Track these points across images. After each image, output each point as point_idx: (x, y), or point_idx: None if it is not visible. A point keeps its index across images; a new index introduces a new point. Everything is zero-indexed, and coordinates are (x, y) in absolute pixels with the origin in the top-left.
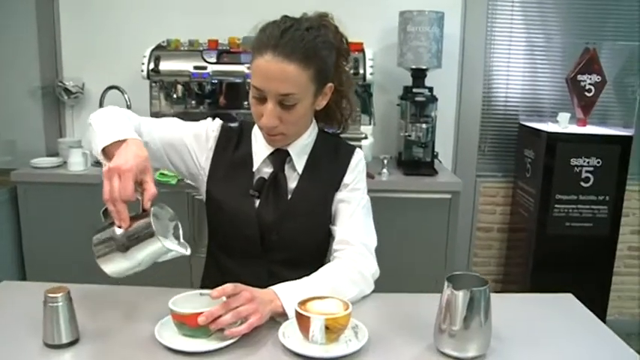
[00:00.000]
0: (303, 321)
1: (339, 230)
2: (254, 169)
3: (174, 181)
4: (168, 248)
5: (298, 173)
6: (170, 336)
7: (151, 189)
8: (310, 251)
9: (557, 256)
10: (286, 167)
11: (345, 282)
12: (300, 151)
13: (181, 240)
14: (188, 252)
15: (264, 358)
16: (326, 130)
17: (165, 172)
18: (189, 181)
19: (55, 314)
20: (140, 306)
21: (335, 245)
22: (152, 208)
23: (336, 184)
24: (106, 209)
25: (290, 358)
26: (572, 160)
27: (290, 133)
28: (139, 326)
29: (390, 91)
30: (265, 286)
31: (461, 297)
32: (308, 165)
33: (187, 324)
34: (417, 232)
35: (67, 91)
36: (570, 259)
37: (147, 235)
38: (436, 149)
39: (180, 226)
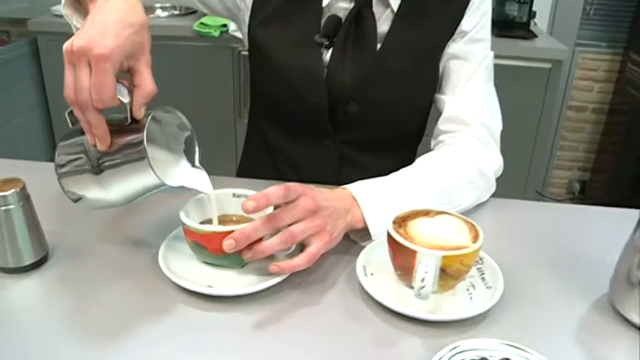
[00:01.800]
0: (401, 254)
1: (450, 102)
2: (323, 2)
3: (216, 33)
4: (167, 184)
5: (392, 10)
6: (181, 264)
7: (145, 85)
8: (404, 130)
9: None
10: (374, 1)
11: (460, 183)
12: None
13: (197, 163)
14: (204, 187)
15: (332, 312)
16: None
17: (206, 20)
18: (233, 28)
19: (6, 223)
20: (140, 209)
21: (442, 124)
22: (149, 117)
23: (448, 30)
24: None
25: (375, 314)
26: None
27: None
28: (136, 245)
29: None
30: (335, 178)
31: None
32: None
33: (207, 248)
34: (505, 106)
35: None
36: None
37: (134, 157)
38: (534, 7)
39: (195, 139)
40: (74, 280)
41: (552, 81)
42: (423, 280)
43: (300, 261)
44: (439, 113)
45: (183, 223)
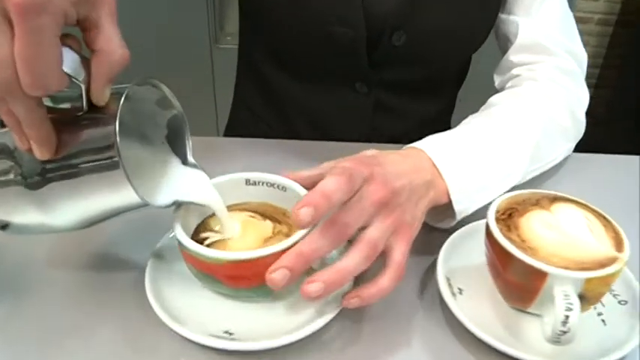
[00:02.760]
0: (516, 271)
1: (526, 25)
2: None
3: None
4: (154, 204)
5: None
6: (180, 295)
7: (111, 49)
8: (453, 66)
9: None
10: None
11: (552, 132)
12: None
13: (189, 158)
14: (208, 199)
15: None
16: None
17: None
18: None
19: None
20: None
21: (515, 54)
22: (120, 99)
23: None
24: None
25: (474, 354)
26: None
27: None
28: (108, 264)
29: None
30: (366, 130)
31: None
32: None
33: (226, 283)
34: None
35: None
36: None
37: (99, 166)
38: None
39: (185, 122)
40: (17, 328)
41: None
42: (566, 319)
43: (389, 281)
44: (506, 40)
45: (181, 244)
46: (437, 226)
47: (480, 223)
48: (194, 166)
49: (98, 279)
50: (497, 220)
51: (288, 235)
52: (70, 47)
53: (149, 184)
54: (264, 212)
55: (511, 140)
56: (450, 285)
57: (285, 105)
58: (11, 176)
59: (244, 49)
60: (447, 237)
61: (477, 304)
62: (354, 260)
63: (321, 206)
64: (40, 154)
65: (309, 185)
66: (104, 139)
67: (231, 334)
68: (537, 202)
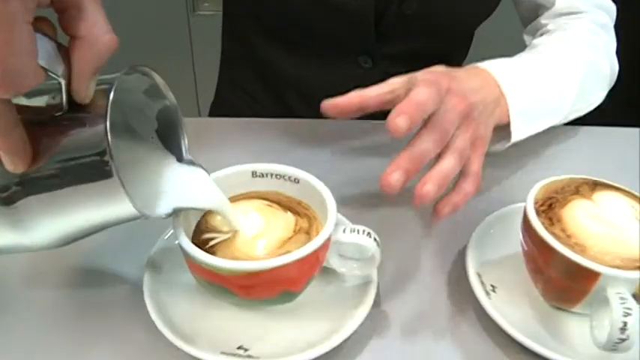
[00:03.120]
0: (559, 268)
1: None
2: None
3: None
4: (152, 215)
5: None
6: (185, 307)
7: (95, 34)
8: (461, 37)
9: None
10: None
11: (594, 76)
12: None
13: (185, 154)
14: (212, 202)
15: None
16: None
17: None
18: None
19: None
20: None
21: (549, 18)
22: (110, 96)
23: None
24: None
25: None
26: None
27: None
28: (92, 277)
29: None
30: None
31: None
32: None
33: (238, 294)
34: None
35: None
36: None
37: (86, 176)
38: None
39: (179, 113)
40: None
41: None
42: (624, 326)
43: (471, 185)
44: (536, 6)
45: (187, 254)
46: (491, 150)
47: (509, 210)
48: (192, 163)
49: (85, 297)
50: (538, 212)
51: (308, 233)
52: (44, 33)
53: (145, 190)
54: (279, 201)
55: (561, 75)
56: (482, 283)
57: (278, 82)
58: None
59: (230, 21)
60: (473, 227)
61: (512, 302)
62: (449, 164)
63: (415, 115)
64: (13, 166)
65: (378, 105)
66: (91, 143)
67: (246, 349)
68: (577, 190)
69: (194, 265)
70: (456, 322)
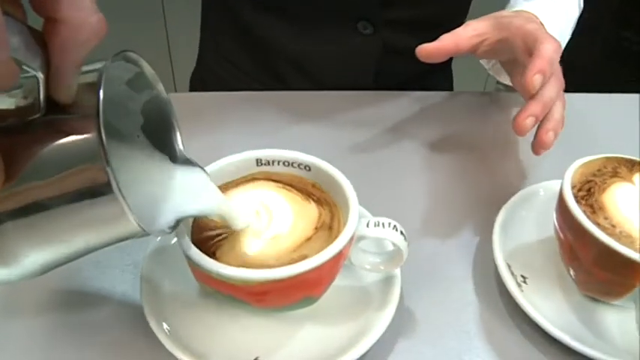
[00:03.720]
0: (600, 257)
1: None
2: None
3: None
4: (153, 230)
5: None
6: (191, 315)
7: (79, 18)
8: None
9: None
10: None
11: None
12: None
13: (179, 148)
14: (216, 206)
15: None
16: None
17: None
18: None
19: None
20: None
21: None
22: (99, 91)
23: None
24: None
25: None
26: None
27: None
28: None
29: None
30: (371, 78)
31: None
32: None
33: (252, 303)
34: None
35: None
36: None
37: (79, 191)
38: None
39: (170, 105)
40: None
41: None
42: None
43: (559, 113)
44: None
45: (190, 260)
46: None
47: (531, 190)
48: (188, 163)
49: (73, 318)
50: (577, 199)
51: (330, 228)
52: (11, 15)
53: (143, 203)
54: (291, 182)
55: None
56: (512, 274)
57: (269, 53)
58: None
59: None
60: (492, 212)
61: (545, 294)
62: (559, 112)
63: (541, 115)
64: None
65: (469, 48)
66: (81, 152)
67: None
68: (616, 172)
69: (200, 273)
70: (487, 319)
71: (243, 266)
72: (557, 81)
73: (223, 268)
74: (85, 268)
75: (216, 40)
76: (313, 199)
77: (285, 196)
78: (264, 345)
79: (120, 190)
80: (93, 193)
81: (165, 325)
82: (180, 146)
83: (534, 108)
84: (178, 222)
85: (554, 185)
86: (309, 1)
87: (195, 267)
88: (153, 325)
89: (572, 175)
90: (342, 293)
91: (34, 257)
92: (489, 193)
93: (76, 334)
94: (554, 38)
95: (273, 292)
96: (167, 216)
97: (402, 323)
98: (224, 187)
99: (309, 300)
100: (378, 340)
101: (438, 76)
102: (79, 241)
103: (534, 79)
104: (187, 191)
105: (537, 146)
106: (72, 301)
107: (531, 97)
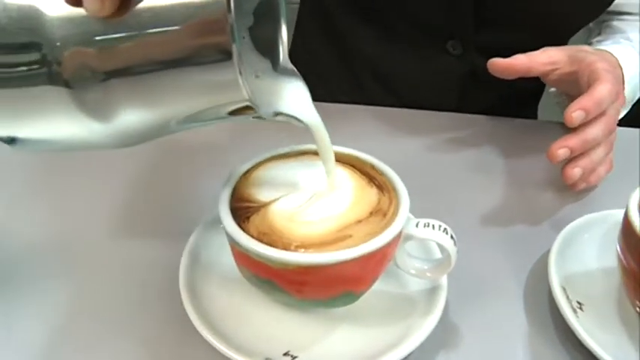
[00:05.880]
0: None
1: None
2: None
3: None
4: (257, 111)
5: None
6: (227, 304)
7: None
8: (566, 32)
9: None
10: None
11: None
12: None
13: (283, 60)
14: (307, 114)
15: None
16: None
17: None
18: None
19: None
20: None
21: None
22: None
23: None
24: None
25: None
26: None
27: None
28: (123, 265)
29: None
30: (454, 103)
31: None
32: None
33: (290, 291)
34: None
35: None
36: None
37: (195, 52)
38: None
39: (284, 9)
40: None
41: None
42: None
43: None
44: None
45: (232, 239)
46: None
47: (592, 217)
48: (290, 73)
49: (113, 287)
50: None
51: (385, 215)
52: None
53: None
54: (349, 161)
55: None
56: (568, 298)
57: (355, 59)
58: (37, 69)
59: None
60: (551, 234)
61: (602, 322)
62: (599, 155)
63: (592, 111)
64: (99, 9)
65: (541, 73)
66: (204, 7)
67: (294, 357)
68: None
69: (239, 253)
70: (537, 344)
71: (286, 248)
72: (606, 125)
73: (261, 247)
74: (137, 241)
75: (305, 35)
76: (375, 184)
77: (348, 174)
78: (297, 340)
79: (239, 53)
80: (210, 55)
81: (199, 307)
82: (285, 53)
83: (571, 141)
84: (276, 114)
85: (616, 214)
86: (405, 15)
87: (234, 246)
88: (187, 304)
89: (639, 199)
90: (384, 297)
91: (131, 116)
92: (549, 216)
93: (112, 302)
94: (613, 82)
95: (314, 281)
96: (268, 106)
97: (444, 337)
98: (285, 156)
99: (350, 296)
100: (416, 351)
101: (522, 107)
102: (180, 106)
103: (574, 115)
104: (284, 94)
105: (564, 177)
106: (116, 269)
107: (573, 130)
